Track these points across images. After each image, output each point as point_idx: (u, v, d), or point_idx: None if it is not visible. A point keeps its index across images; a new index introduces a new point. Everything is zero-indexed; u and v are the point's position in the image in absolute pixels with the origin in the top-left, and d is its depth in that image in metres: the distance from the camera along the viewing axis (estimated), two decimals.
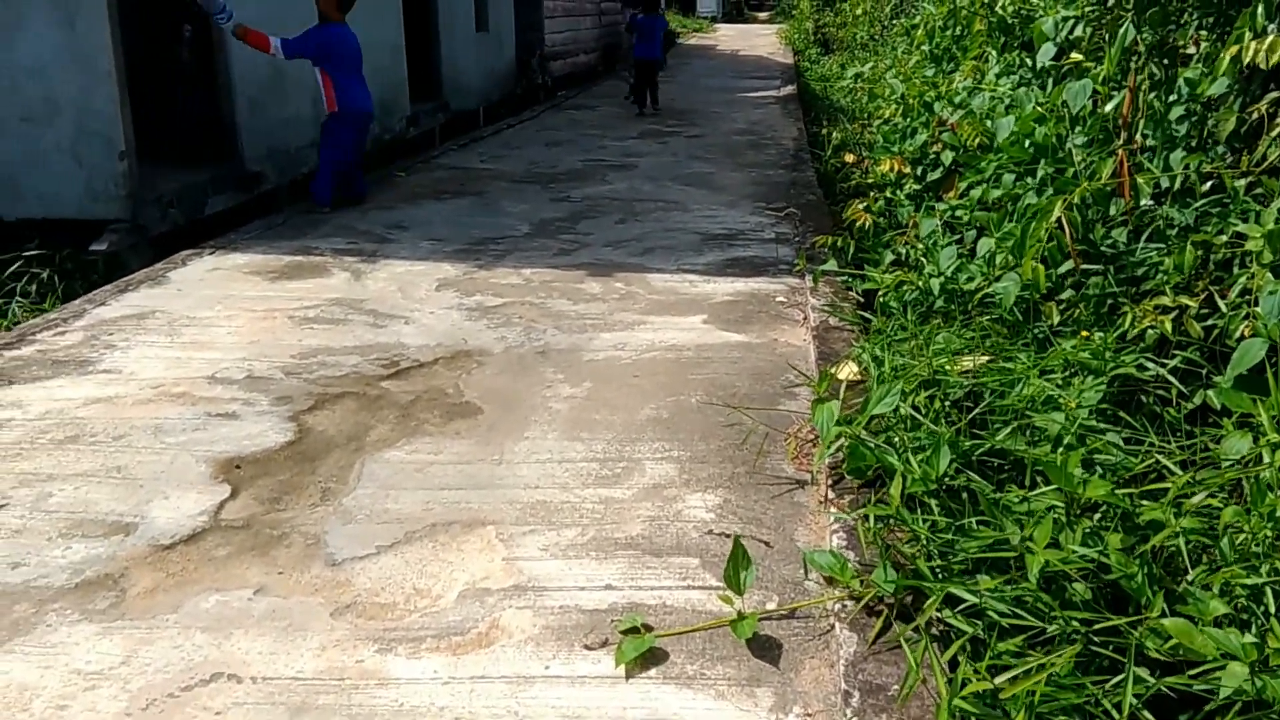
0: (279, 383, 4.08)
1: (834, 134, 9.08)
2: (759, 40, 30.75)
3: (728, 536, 2.96)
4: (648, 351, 4.54)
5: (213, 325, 4.76)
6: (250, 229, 6.73)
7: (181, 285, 5.40)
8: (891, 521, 2.83)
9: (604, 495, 3.22)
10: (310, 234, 6.63)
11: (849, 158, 7.13)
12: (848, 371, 4.16)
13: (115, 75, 6.05)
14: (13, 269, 5.99)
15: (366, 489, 3.25)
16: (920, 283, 4.74)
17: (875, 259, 5.41)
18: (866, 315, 4.75)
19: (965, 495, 3.00)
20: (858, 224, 5.45)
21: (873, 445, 3.12)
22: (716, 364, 4.39)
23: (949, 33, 7.97)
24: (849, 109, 15.80)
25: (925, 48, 8.31)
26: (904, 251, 5.36)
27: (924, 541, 2.71)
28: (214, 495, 3.19)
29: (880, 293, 4.92)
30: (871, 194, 7.09)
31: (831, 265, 5.12)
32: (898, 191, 6.89)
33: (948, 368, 3.75)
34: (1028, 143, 5.06)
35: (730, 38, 32.46)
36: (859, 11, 17.81)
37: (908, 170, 6.72)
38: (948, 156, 6.17)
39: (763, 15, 52.26)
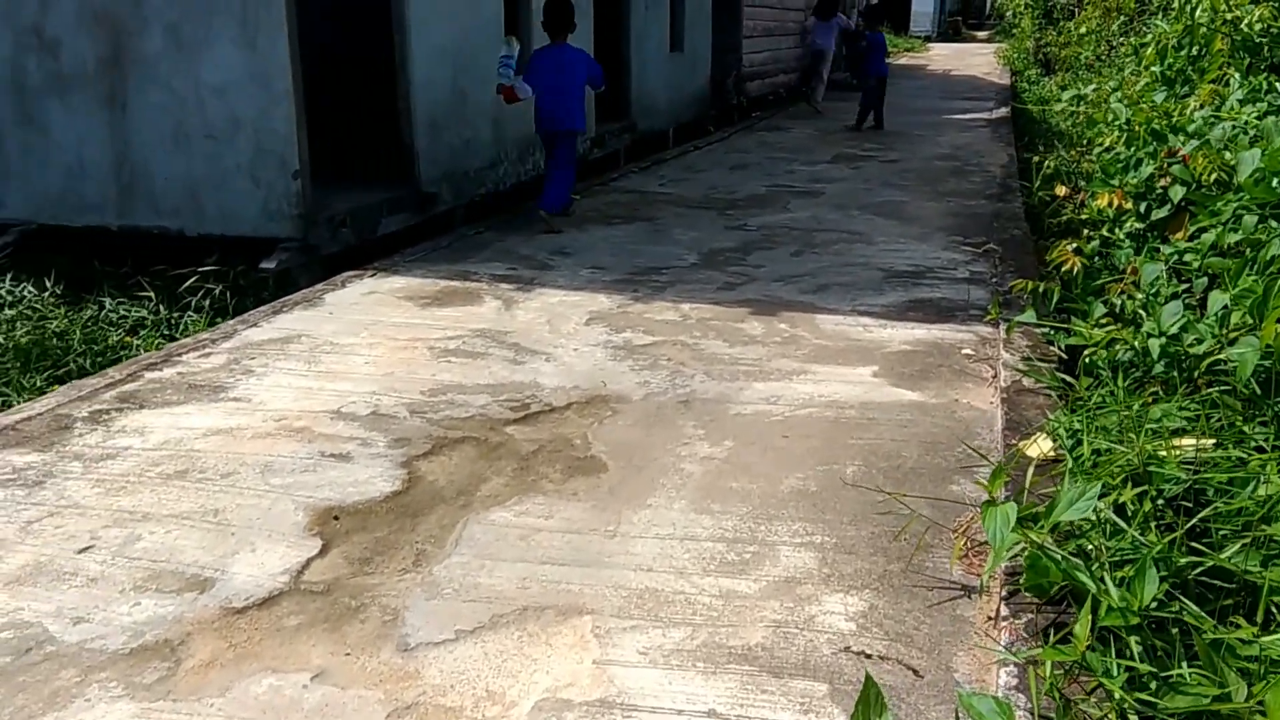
0: (401, 422, 3.83)
1: (1047, 162, 8.24)
2: (974, 60, 29.30)
3: (868, 657, 2.44)
4: (804, 407, 4.02)
5: (353, 353, 4.60)
6: (416, 251, 6.64)
7: (334, 308, 5.30)
8: (1077, 668, 2.22)
9: (725, 587, 2.75)
10: (472, 258, 6.47)
11: (1061, 190, 6.35)
12: (1039, 449, 3.52)
13: (292, 95, 6.08)
14: (188, 284, 6.10)
15: (462, 556, 2.91)
16: (1136, 342, 4.02)
17: (1083, 309, 4.69)
18: (1068, 379, 4.07)
19: (1176, 630, 2.36)
20: (1064, 268, 4.73)
21: (1059, 557, 2.51)
22: (882, 427, 3.83)
23: (1184, 53, 7.03)
24: (1067, 134, 14.62)
25: (1156, 69, 7.38)
26: (1119, 303, 4.61)
27: (1117, 700, 2.10)
28: (303, 551, 2.93)
29: (1087, 351, 4.22)
30: (1085, 232, 6.29)
31: (1030, 315, 4.45)
32: (1116, 230, 6.08)
33: (1163, 453, 3.07)
34: (1276, 181, 4.25)
35: (943, 57, 31.11)
36: (1083, 30, 16.51)
37: (1129, 206, 5.90)
38: (1177, 192, 5.35)
39: (981, 34, 50.14)
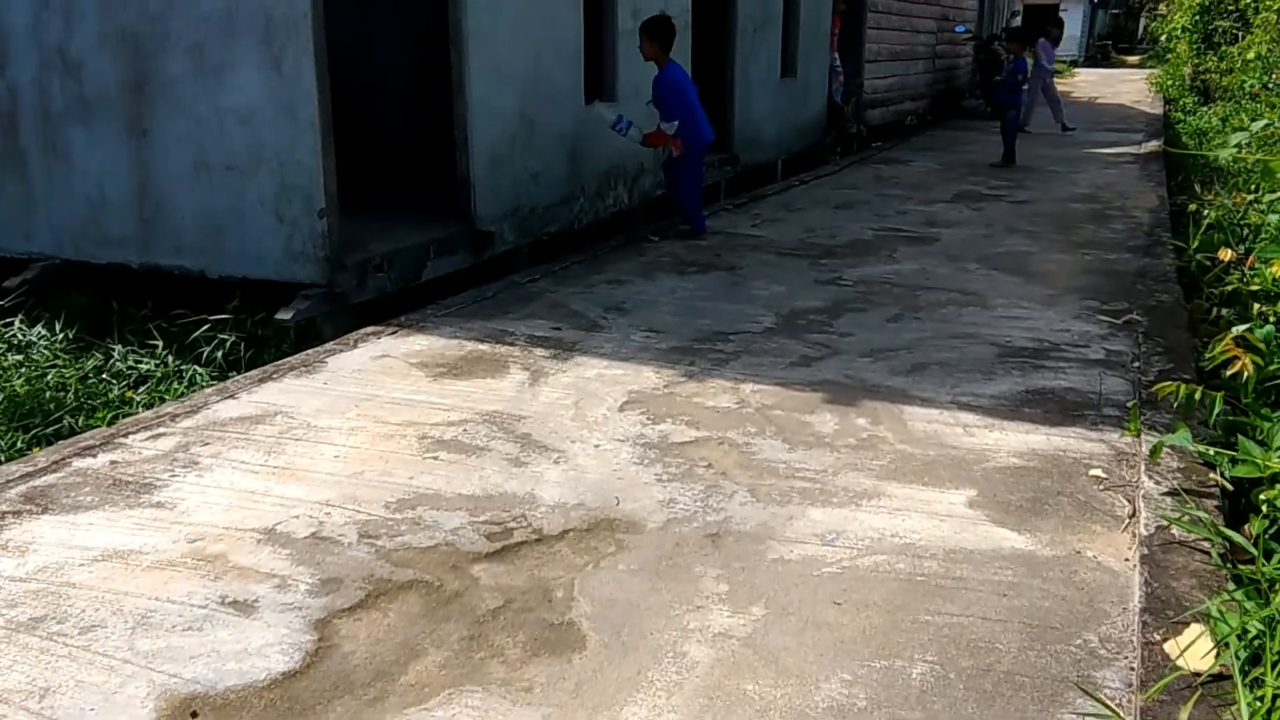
0: (342, 552, 3.01)
1: (1206, 211, 6.97)
2: (1123, 86, 27.28)
3: None
4: (869, 553, 3.04)
5: (326, 441, 3.83)
6: (452, 303, 5.88)
7: (331, 377, 4.56)
8: None
9: None
10: (513, 313, 5.66)
11: (1225, 254, 5.17)
12: (1194, 654, 2.47)
13: (318, 125, 5.41)
14: (198, 332, 5.49)
15: None
16: None
17: (1256, 425, 3.56)
18: (1234, 537, 2.98)
19: None
20: (1229, 370, 3.61)
21: None
22: (971, 594, 2.82)
23: None
24: (1232, 174, 13.02)
25: None
26: None
27: None
28: None
29: (1264, 493, 3.11)
30: (1256, 307, 5.09)
31: (1182, 436, 3.35)
32: None
33: None
34: None
35: (1090, 83, 29.09)
36: (1250, 55, 14.83)
37: None
38: None
39: (1132, 59, 47.39)
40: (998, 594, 2.83)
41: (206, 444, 3.77)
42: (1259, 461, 3.20)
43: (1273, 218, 7.02)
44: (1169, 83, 25.52)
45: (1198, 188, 12.24)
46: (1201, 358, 5.41)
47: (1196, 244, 5.99)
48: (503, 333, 5.25)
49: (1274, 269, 4.83)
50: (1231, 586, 2.75)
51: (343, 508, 3.28)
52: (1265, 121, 8.05)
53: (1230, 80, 21.16)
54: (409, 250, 6.22)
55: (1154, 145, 14.22)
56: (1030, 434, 3.97)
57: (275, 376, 4.52)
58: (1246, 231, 6.90)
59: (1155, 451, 3.48)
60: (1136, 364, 4.82)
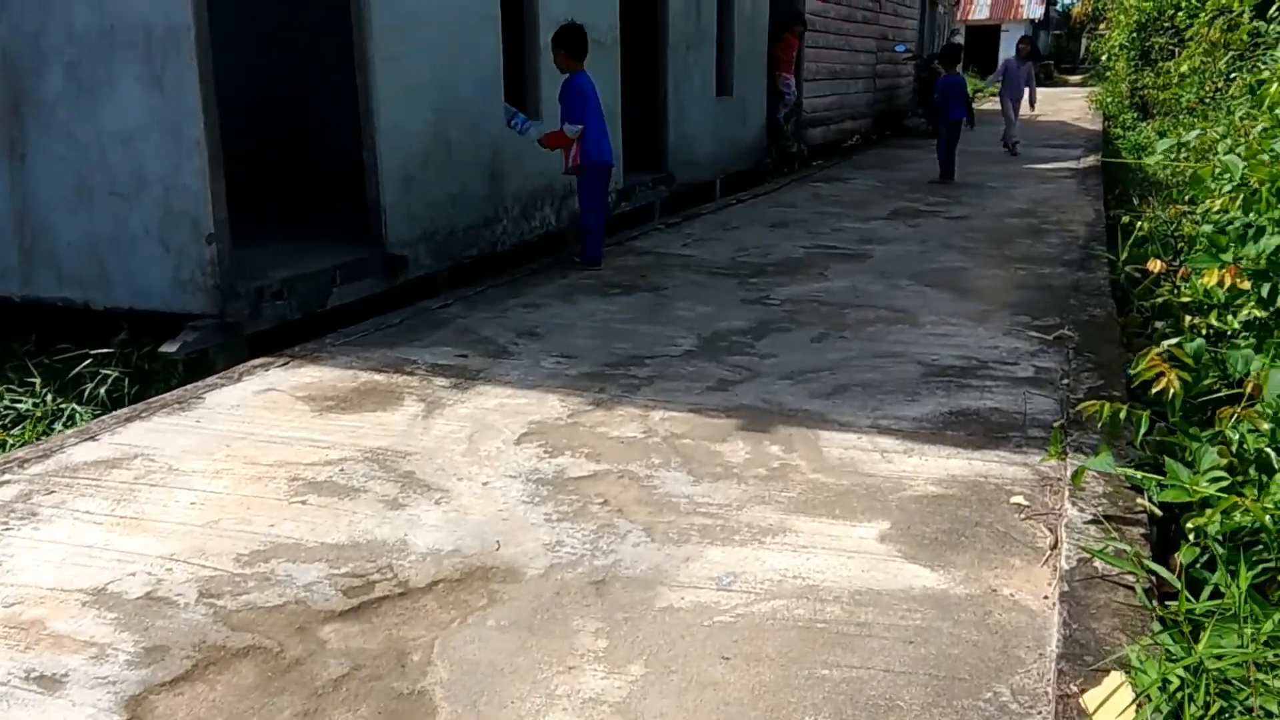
0: (176, 614, 2.68)
1: (1139, 223, 6.84)
2: (1065, 104, 27.55)
3: None
4: (766, 598, 2.77)
5: (186, 486, 3.49)
6: (356, 330, 5.56)
7: (207, 414, 4.22)
8: None
9: None
10: (420, 340, 5.35)
11: (1155, 265, 5.00)
12: (1115, 706, 2.22)
13: (204, 147, 5.08)
14: (79, 368, 5.12)
15: None
16: (1267, 516, 2.69)
17: (1184, 444, 3.34)
18: (1160, 571, 2.74)
19: None
20: (1155, 387, 3.39)
21: None
22: (875, 642, 2.56)
23: None
24: (1166, 187, 13.04)
25: None
26: (1236, 436, 3.26)
27: None
28: None
29: (1192, 520, 2.89)
30: (1187, 319, 4.91)
31: (1105, 460, 3.12)
32: (1228, 318, 4.71)
33: None
34: None
35: None
36: (1184, 69, 14.93)
37: (1245, 285, 4.54)
38: None
39: (1074, 78, 48.20)
40: (904, 641, 2.56)
41: (51, 492, 3.42)
42: (1186, 486, 2.98)
43: (1205, 228, 6.91)
44: (1108, 100, 25.85)
45: (1135, 201, 12.25)
46: (1130, 375, 5.23)
47: (1126, 255, 5.83)
48: (404, 362, 4.94)
49: (1205, 280, 4.67)
50: (1156, 627, 2.50)
51: (188, 562, 2.95)
52: (1198, 131, 7.97)
53: (1167, 95, 21.43)
54: (312, 276, 5.89)
55: (1092, 160, 14.24)
56: (951, 459, 3.73)
57: (144, 415, 4.17)
58: (1180, 243, 6.78)
59: (1077, 476, 3.25)
60: (1065, 381, 4.61)
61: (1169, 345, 3.49)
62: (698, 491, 3.46)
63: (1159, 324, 5.20)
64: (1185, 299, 4.92)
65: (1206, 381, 4.06)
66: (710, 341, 5.33)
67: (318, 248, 6.40)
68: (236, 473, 3.59)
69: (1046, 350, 5.13)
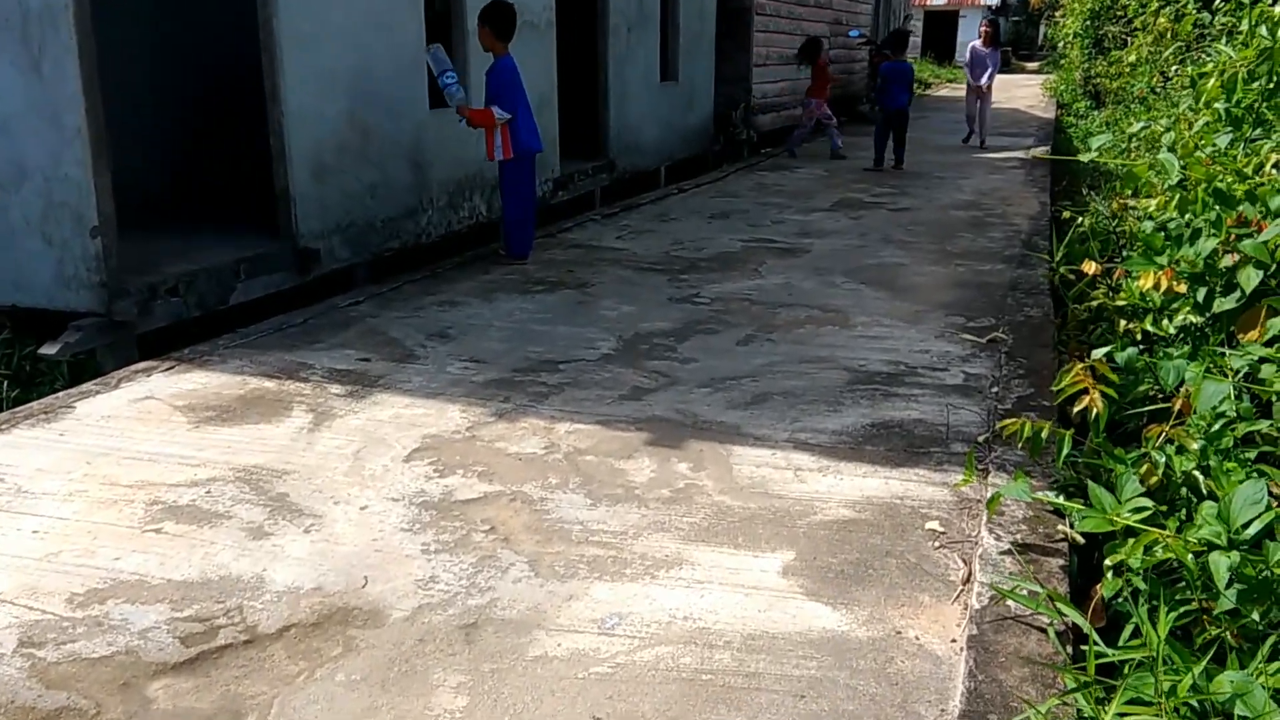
0: None
1: (1080, 218, 6.68)
2: (1020, 91, 27.55)
3: None
4: (652, 643, 2.53)
5: (30, 512, 3.18)
6: (255, 330, 5.24)
7: (72, 426, 3.90)
8: None
9: None
10: (322, 342, 5.05)
11: (1090, 267, 4.81)
12: None
13: (87, 135, 4.73)
14: None
15: None
16: (1189, 555, 2.49)
17: (1107, 466, 3.15)
18: (1073, 616, 2.53)
19: None
20: (1077, 406, 3.19)
21: None
22: (764, 696, 2.33)
23: (1256, 85, 5.47)
24: (1115, 178, 12.96)
25: (1219, 105, 5.82)
26: (1162, 458, 3.07)
27: None
28: None
29: (1110, 556, 2.69)
30: (1121, 324, 4.74)
31: (1021, 487, 2.91)
32: (1163, 322, 4.54)
33: None
34: None
35: None
36: (1133, 58, 14.88)
37: (1181, 289, 4.38)
38: (1250, 277, 3.86)
39: (1031, 65, 48.42)
40: (795, 695, 2.34)
41: None
42: (1107, 515, 2.78)
43: (1147, 225, 6.76)
44: (1062, 88, 25.89)
45: (1084, 192, 12.16)
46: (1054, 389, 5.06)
47: (1062, 255, 5.64)
48: (300, 366, 4.63)
49: (1142, 283, 4.50)
50: (1070, 680, 2.30)
51: (13, 603, 2.66)
52: (1143, 124, 7.84)
53: (1118, 84, 21.44)
54: (212, 271, 5.56)
55: (1043, 150, 14.14)
56: (868, 477, 3.51)
57: (5, 427, 3.84)
58: (1122, 240, 6.63)
59: (992, 503, 3.05)
60: (995, 389, 4.42)
61: (1095, 359, 3.28)
62: (594, 517, 3.21)
63: (1093, 328, 5.03)
64: (1121, 302, 4.74)
65: (1141, 388, 3.89)
66: (631, 344, 5.08)
67: (222, 241, 6.06)
68: (91, 495, 3.29)
69: (979, 355, 4.93)
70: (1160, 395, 4.27)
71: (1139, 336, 4.66)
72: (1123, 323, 4.74)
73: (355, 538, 3.05)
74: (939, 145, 14.40)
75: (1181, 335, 4.50)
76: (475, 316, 5.56)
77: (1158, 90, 18.49)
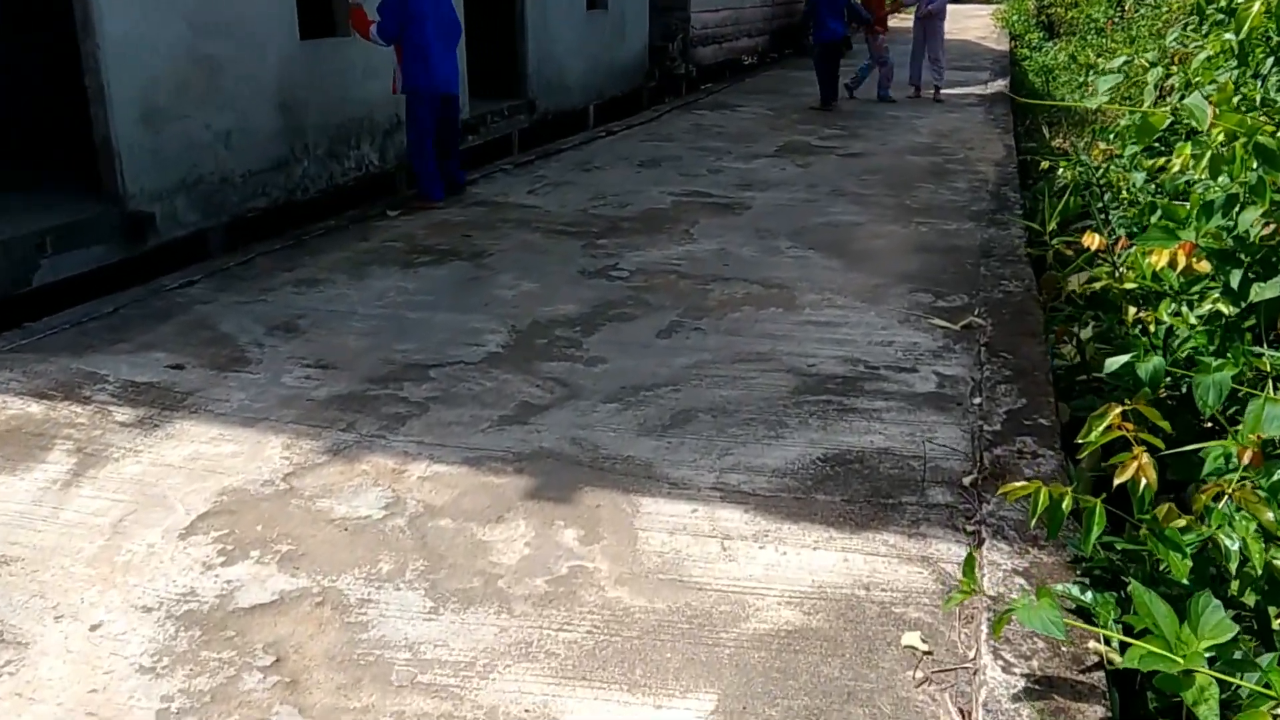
0: None
1: (1061, 168, 5.76)
2: (970, 22, 26.53)
3: None
4: None
5: None
6: (44, 326, 4.14)
7: None
8: None
9: None
10: (128, 340, 3.97)
11: (1091, 240, 3.88)
12: None
13: None
14: None
15: None
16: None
17: (1159, 555, 2.24)
18: None
19: None
20: (1119, 478, 2.26)
21: None
22: None
23: None
24: (1080, 112, 12.08)
25: (1230, 36, 4.89)
26: (1234, 547, 2.17)
27: None
28: None
29: (1188, 693, 1.80)
30: (1131, 311, 3.84)
31: (1042, 614, 1.98)
32: (1184, 311, 3.67)
33: None
34: None
35: None
36: None
37: (1204, 267, 3.50)
38: None
39: None
40: None
41: None
42: (1170, 652, 1.88)
43: (1136, 177, 5.86)
44: (1014, 18, 24.96)
45: (1046, 131, 11.26)
46: (1058, 365, 4.17)
47: (1054, 222, 4.66)
48: (86, 379, 3.56)
49: (1155, 259, 3.60)
50: None
51: None
52: (1123, 59, 6.90)
53: (1075, 14, 20.53)
54: (7, 244, 4.43)
55: (1000, 85, 13.21)
56: (820, 549, 2.58)
57: None
58: (1108, 194, 5.73)
59: (998, 626, 2.12)
60: (977, 400, 3.50)
61: (1136, 402, 2.35)
62: (432, 635, 2.24)
63: (1087, 316, 4.12)
64: (1129, 284, 3.83)
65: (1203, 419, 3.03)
66: (527, 337, 4.07)
67: (28, 205, 4.92)
68: None
69: (952, 347, 4.01)
70: (1193, 416, 3.39)
71: (1151, 328, 3.77)
72: (1131, 310, 3.83)
73: (64, 688, 2.05)
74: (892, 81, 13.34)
75: (1209, 328, 3.62)
76: (337, 300, 4.50)
77: (1115, 20, 17.64)
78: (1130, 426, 2.34)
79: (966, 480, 2.91)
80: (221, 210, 5.60)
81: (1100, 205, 6.06)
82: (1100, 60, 14.76)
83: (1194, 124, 3.45)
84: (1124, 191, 5.85)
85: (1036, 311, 4.43)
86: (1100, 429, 2.29)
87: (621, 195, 6.71)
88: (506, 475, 2.94)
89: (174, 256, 5.26)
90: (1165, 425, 2.33)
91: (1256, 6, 3.65)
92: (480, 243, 5.49)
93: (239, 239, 5.67)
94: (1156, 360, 3.08)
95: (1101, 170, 6.02)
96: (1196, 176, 3.66)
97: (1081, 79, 15.36)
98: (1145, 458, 2.21)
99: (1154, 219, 4.12)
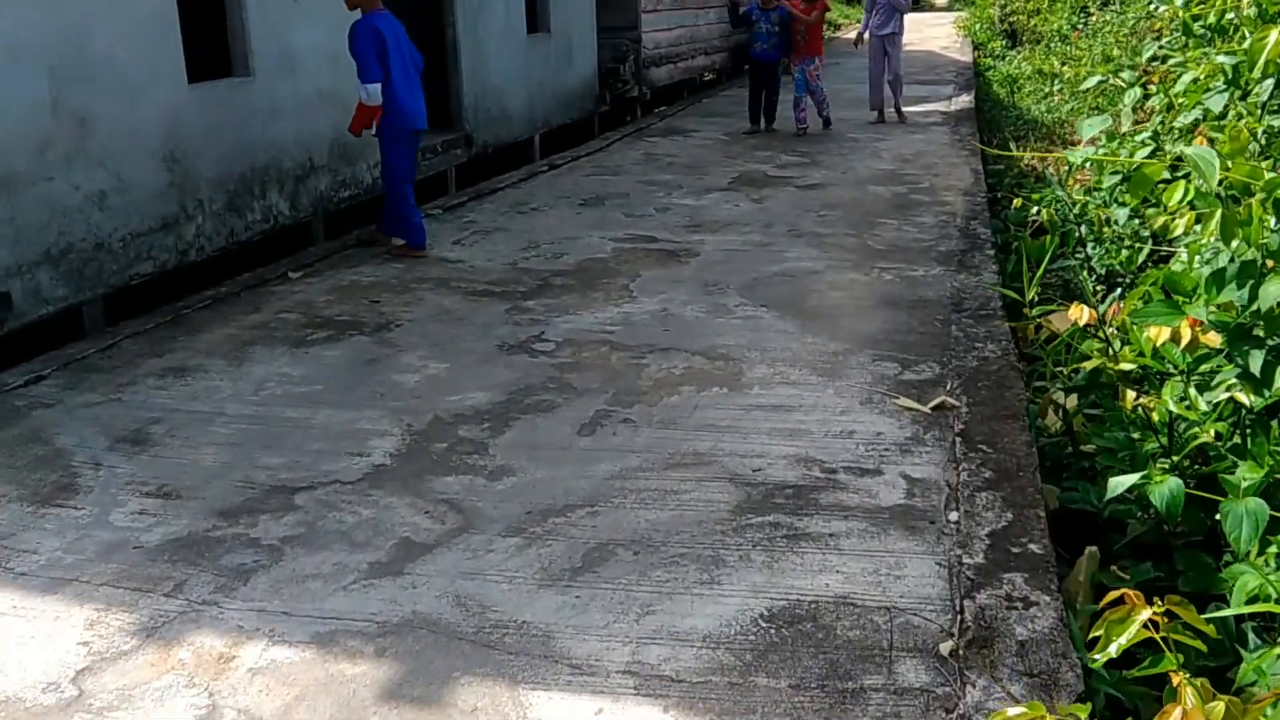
0: None
1: (1036, 208, 5.20)
2: (932, 32, 26.14)
3: None
4: None
5: None
6: None
7: None
8: None
9: None
10: None
11: (1079, 313, 3.27)
12: None
13: None
14: None
15: None
16: None
17: None
18: None
19: None
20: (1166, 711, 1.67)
21: None
22: None
23: None
24: (1048, 125, 11.60)
25: (1223, 60, 4.37)
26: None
27: None
28: None
29: None
30: (1129, 397, 3.27)
31: None
32: (1190, 394, 3.13)
33: None
34: None
35: None
36: None
37: (1213, 341, 2.98)
38: None
39: (940, 2, 47.32)
40: None
41: None
42: None
43: (1119, 213, 5.33)
44: (977, 26, 24.67)
45: (1014, 147, 10.74)
46: (1042, 442, 3.59)
47: (1033, 292, 4.01)
48: None
49: (1154, 334, 3.06)
50: None
51: None
52: (1099, 78, 6.38)
53: (1038, 22, 20.16)
54: None
55: (965, 100, 12.71)
56: None
57: None
58: (1089, 235, 5.18)
59: None
60: (954, 516, 2.90)
61: (1172, 604, 1.75)
62: None
63: (1080, 399, 3.55)
64: (1125, 365, 3.25)
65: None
66: (423, 441, 3.44)
67: None
68: None
69: (923, 438, 3.42)
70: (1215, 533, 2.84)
71: (1155, 416, 3.20)
72: (1129, 395, 3.26)
73: None
74: (851, 98, 12.83)
75: (1225, 422, 3.05)
76: (205, 395, 3.85)
77: (1079, 27, 17.27)
78: (1158, 618, 1.74)
79: (945, 648, 2.31)
80: (97, 281, 4.95)
81: (1073, 239, 5.51)
82: (1065, 69, 14.34)
83: (1199, 177, 2.87)
84: (1105, 229, 5.32)
85: (1017, 383, 3.85)
86: (1122, 638, 1.69)
87: (558, 243, 6.09)
88: (363, 662, 2.31)
89: (47, 338, 4.59)
90: (1211, 630, 1.74)
91: (1274, 39, 3.09)
92: (389, 310, 4.85)
93: (123, 311, 5.02)
94: (1173, 484, 2.52)
95: (1079, 207, 5.48)
96: (1205, 242, 3.09)
97: (1047, 89, 14.96)
98: (1185, 685, 1.61)
99: (1149, 282, 3.57)
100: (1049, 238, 4.87)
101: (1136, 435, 3.31)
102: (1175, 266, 4.50)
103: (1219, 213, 2.91)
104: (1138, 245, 5.11)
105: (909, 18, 12.48)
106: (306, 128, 6.47)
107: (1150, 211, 4.46)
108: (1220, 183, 2.86)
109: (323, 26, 6.52)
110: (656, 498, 3.04)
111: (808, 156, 8.92)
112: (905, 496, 3.03)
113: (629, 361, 4.16)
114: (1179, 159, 3.42)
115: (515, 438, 3.47)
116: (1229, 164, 2.97)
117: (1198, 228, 3.07)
